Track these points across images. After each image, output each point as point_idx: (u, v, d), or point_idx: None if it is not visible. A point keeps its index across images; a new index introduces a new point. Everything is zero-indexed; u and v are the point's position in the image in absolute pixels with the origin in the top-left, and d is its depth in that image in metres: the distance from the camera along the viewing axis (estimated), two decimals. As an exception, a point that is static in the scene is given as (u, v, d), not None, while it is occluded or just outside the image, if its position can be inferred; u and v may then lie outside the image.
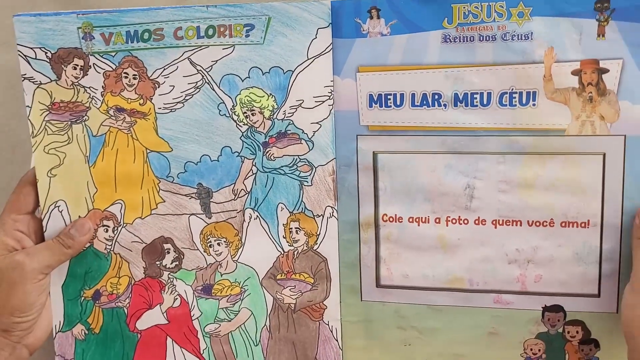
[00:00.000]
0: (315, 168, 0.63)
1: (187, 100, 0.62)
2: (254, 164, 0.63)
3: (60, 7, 0.66)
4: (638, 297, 0.55)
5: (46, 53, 0.61)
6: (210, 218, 0.64)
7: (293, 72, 0.61)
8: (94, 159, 0.63)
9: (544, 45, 0.58)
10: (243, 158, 0.63)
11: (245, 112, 0.62)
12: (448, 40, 0.60)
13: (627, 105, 0.57)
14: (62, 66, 0.61)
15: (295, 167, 0.63)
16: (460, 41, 0.59)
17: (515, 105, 0.59)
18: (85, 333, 0.65)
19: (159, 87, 0.62)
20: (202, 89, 0.62)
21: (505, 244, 0.62)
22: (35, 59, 0.61)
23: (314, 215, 0.64)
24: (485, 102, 0.60)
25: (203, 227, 0.64)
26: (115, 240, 0.64)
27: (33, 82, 0.62)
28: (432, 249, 0.64)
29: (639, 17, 0.56)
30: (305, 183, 0.63)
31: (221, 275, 0.65)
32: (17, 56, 0.67)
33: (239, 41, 0.61)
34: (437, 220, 0.63)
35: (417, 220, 0.63)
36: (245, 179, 0.63)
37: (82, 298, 0.65)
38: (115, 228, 0.64)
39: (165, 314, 0.65)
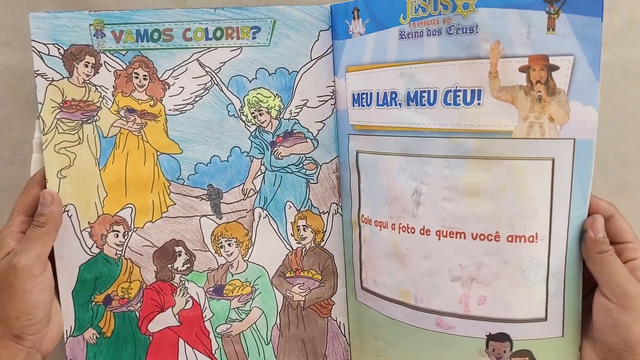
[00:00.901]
0: (320, 166, 0.65)
1: (196, 101, 0.63)
2: (262, 163, 0.64)
3: (61, 8, 0.67)
4: (615, 300, 0.53)
5: (59, 49, 0.61)
6: (220, 219, 0.65)
7: (298, 72, 0.63)
8: (105, 161, 0.63)
9: (490, 39, 0.53)
10: (252, 158, 0.64)
11: (253, 113, 0.63)
12: (403, 36, 0.57)
13: (577, 106, 0.52)
14: (74, 63, 0.62)
15: (301, 165, 0.64)
16: (412, 37, 0.57)
17: (460, 104, 0.55)
18: (96, 337, 0.65)
19: (169, 88, 0.63)
20: (211, 90, 0.63)
21: (448, 258, 0.57)
22: (48, 55, 0.61)
23: (320, 213, 0.65)
24: (431, 101, 0.56)
25: (214, 228, 0.65)
26: (126, 246, 0.64)
27: (45, 78, 0.62)
28: (389, 255, 0.61)
29: (591, 10, 0.50)
30: (312, 181, 0.65)
31: (232, 276, 0.65)
32: (17, 56, 0.68)
33: (246, 43, 0.62)
34: (393, 226, 0.60)
35: (379, 224, 0.62)
36: (254, 178, 0.64)
37: (93, 303, 0.64)
38: (126, 233, 0.64)
39: (177, 316, 0.65)
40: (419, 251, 0.59)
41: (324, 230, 0.65)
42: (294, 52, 0.63)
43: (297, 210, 0.65)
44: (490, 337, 0.57)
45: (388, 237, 0.61)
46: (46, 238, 0.60)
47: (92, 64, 0.62)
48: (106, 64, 0.62)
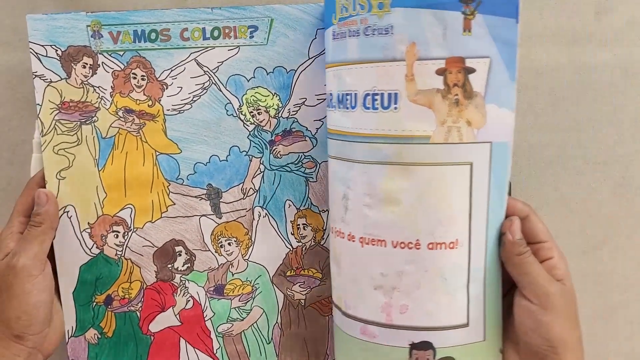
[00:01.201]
0: (319, 164, 0.64)
1: (195, 101, 0.63)
2: (261, 162, 0.64)
3: (61, 8, 0.67)
4: (537, 301, 0.53)
5: (57, 50, 0.61)
6: (220, 218, 0.65)
7: (295, 71, 0.63)
8: (104, 162, 0.63)
9: (405, 41, 0.51)
10: (251, 157, 0.64)
11: (251, 112, 0.63)
12: (335, 37, 0.56)
13: (493, 108, 0.51)
14: (72, 64, 0.62)
15: (300, 164, 0.64)
16: (340, 38, 0.55)
17: (378, 108, 0.53)
18: (98, 337, 0.65)
19: (167, 88, 0.63)
20: (210, 90, 0.63)
21: (370, 266, 0.56)
22: (46, 56, 0.61)
23: (319, 211, 0.65)
24: (353, 104, 0.55)
25: (214, 227, 0.65)
26: (126, 246, 0.64)
27: (44, 79, 0.62)
28: (332, 260, 0.61)
29: (506, 11, 0.50)
30: (311, 179, 0.64)
31: (232, 275, 0.65)
32: (17, 56, 0.68)
33: (243, 42, 0.62)
34: (331, 230, 0.60)
35: (329, 228, 0.62)
36: (253, 177, 0.64)
37: (94, 303, 0.65)
38: (126, 233, 0.64)
39: (178, 316, 0.65)
40: (348, 257, 0.58)
41: (324, 228, 0.65)
42: (292, 51, 0.62)
43: (297, 208, 0.65)
44: (413, 346, 0.55)
45: (331, 241, 0.61)
46: (43, 237, 0.60)
47: (90, 64, 0.62)
48: (104, 65, 0.62)
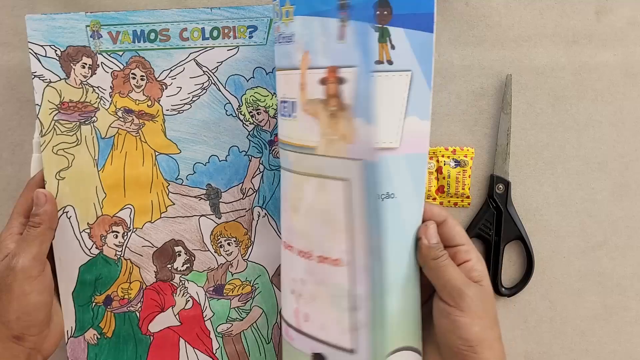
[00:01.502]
0: (319, 165, 0.64)
1: (194, 101, 0.63)
2: (261, 162, 0.64)
3: (60, 8, 0.67)
4: (453, 303, 0.53)
5: (56, 51, 0.62)
6: (220, 218, 0.65)
7: (295, 71, 0.63)
8: (103, 162, 0.63)
9: (302, 49, 0.50)
10: (250, 157, 0.64)
11: (251, 112, 0.63)
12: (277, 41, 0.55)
13: (361, 124, 0.47)
14: (71, 64, 0.62)
15: (300, 164, 0.64)
16: (277, 43, 0.54)
17: (285, 115, 0.53)
18: (97, 337, 0.65)
19: (166, 88, 0.63)
20: (209, 90, 0.63)
21: (286, 270, 0.56)
22: (45, 56, 0.62)
23: (319, 212, 0.65)
24: (278, 111, 0.55)
25: (213, 227, 0.65)
26: (126, 246, 0.64)
27: (43, 80, 0.62)
28: None
29: (371, 18, 0.49)
30: (311, 180, 0.64)
31: (232, 275, 0.65)
32: (17, 56, 0.68)
33: (242, 42, 0.62)
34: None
35: None
36: (252, 177, 0.64)
37: (94, 304, 0.65)
38: (125, 233, 0.64)
39: (177, 316, 0.65)
40: (281, 260, 0.58)
41: (324, 228, 0.65)
42: (292, 51, 0.63)
43: (297, 209, 0.65)
44: (314, 356, 0.54)
45: None
46: (42, 238, 0.60)
47: (89, 65, 0.62)
48: (103, 65, 0.62)
